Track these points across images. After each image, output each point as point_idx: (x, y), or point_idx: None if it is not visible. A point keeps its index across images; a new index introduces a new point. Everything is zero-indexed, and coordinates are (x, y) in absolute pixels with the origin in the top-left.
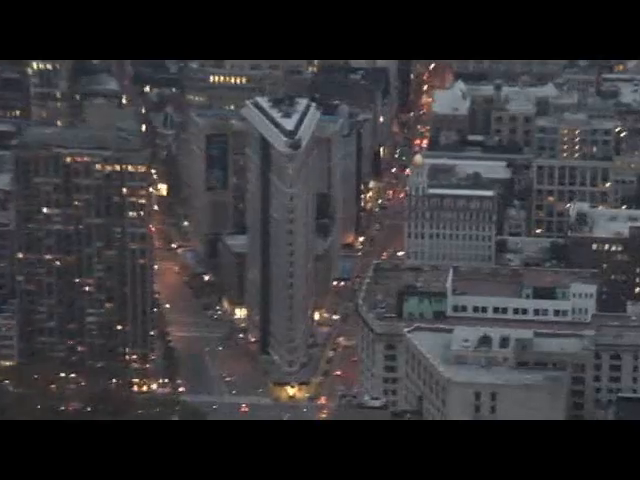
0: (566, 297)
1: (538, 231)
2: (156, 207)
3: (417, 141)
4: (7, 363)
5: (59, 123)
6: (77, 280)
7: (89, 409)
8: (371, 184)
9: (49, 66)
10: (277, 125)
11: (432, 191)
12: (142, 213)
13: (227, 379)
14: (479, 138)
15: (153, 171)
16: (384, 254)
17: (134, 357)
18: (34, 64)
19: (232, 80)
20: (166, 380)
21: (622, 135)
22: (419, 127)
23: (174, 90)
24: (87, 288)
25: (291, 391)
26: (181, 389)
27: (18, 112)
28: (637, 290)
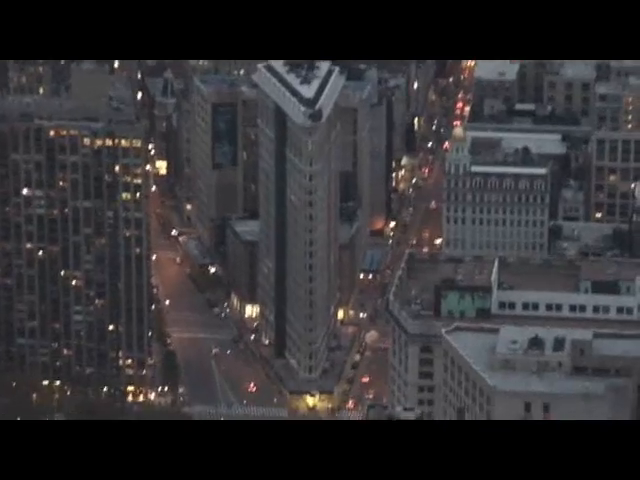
0: (631, 292)
1: (598, 215)
2: (154, 188)
3: (457, 111)
4: None
5: (41, 91)
6: (62, 273)
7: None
8: (404, 161)
9: None
10: (294, 93)
11: (475, 169)
12: (138, 195)
13: (236, 388)
14: (529, 107)
15: (150, 146)
16: (419, 243)
17: (128, 362)
18: None
19: None
20: (166, 389)
21: None
22: (460, 94)
23: None
24: (74, 282)
25: (311, 401)
26: (183, 399)
27: None
28: None
